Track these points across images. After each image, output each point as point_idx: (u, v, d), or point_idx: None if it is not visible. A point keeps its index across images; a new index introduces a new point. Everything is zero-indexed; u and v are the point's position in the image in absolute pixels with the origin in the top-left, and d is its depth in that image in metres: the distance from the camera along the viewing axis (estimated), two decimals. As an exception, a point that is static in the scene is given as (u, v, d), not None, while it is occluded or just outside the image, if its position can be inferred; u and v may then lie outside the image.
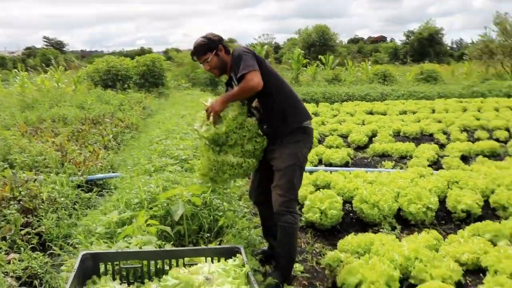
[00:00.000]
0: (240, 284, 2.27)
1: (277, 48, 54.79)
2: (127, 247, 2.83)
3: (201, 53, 3.20)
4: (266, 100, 3.14)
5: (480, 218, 4.59)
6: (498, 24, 21.15)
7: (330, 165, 6.60)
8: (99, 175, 5.62)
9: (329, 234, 4.36)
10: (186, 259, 2.65)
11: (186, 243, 3.40)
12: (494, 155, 7.34)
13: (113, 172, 6.15)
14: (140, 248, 2.83)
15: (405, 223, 4.53)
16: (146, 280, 2.58)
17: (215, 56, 3.16)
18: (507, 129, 9.14)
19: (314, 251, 3.95)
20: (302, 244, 4.12)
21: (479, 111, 12.37)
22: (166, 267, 2.64)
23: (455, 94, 16.71)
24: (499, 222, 3.88)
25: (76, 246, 3.59)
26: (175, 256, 2.63)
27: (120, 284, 2.46)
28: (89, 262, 2.53)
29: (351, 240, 3.50)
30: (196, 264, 2.63)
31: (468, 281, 3.10)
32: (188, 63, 18.99)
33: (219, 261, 2.66)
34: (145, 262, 2.59)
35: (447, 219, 4.66)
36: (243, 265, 2.46)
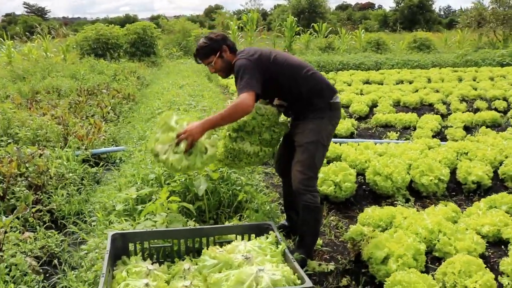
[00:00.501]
0: (278, 262, 2.25)
1: (264, 15, 53.82)
2: (154, 226, 2.78)
3: (204, 56, 3.05)
4: (287, 92, 3.02)
5: (489, 190, 4.64)
6: (491, -10, 21.01)
7: (335, 136, 6.56)
8: (104, 149, 5.51)
9: (344, 206, 4.36)
10: (216, 236, 2.63)
11: (206, 219, 3.37)
12: (495, 125, 7.38)
13: (116, 146, 6.04)
14: (167, 226, 2.78)
15: (417, 194, 4.54)
16: (176, 259, 2.55)
17: (219, 59, 3.01)
18: (505, 99, 9.17)
19: (330, 224, 3.96)
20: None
21: (474, 80, 12.38)
22: (196, 246, 2.61)
23: (449, 63, 16.70)
24: (514, 194, 3.91)
25: (93, 224, 3.54)
26: (205, 234, 2.59)
27: (152, 263, 2.42)
28: (118, 242, 2.49)
29: (372, 213, 3.49)
30: (227, 241, 2.61)
31: (490, 253, 3.12)
32: (179, 30, 18.53)
33: (249, 238, 2.64)
34: (175, 241, 2.56)
35: (457, 191, 4.68)
36: (277, 242, 2.44)
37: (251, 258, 2.18)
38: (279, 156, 3.42)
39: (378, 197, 4.53)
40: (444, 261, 2.96)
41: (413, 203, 4.31)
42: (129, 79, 10.54)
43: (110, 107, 7.47)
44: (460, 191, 4.68)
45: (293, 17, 20.26)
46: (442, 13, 66.81)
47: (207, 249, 2.60)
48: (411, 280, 2.55)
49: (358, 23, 44.67)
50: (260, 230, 2.63)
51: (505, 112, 8.32)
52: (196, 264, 2.41)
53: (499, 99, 9.12)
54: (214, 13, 47.81)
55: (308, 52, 19.46)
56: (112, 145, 6.07)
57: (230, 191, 3.54)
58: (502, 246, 3.19)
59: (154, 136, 2.96)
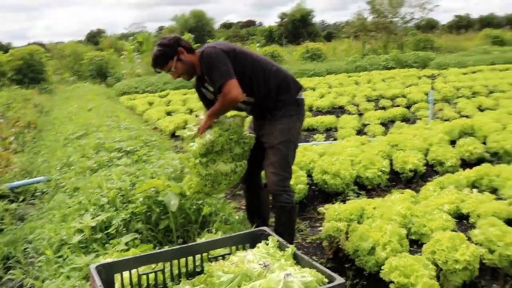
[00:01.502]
0: (292, 265, 2.09)
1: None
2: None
3: (161, 64, 2.88)
4: (255, 88, 2.90)
5: (423, 175, 4.95)
6: (369, 2, 23.13)
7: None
8: (23, 181, 4.83)
9: (299, 209, 4.30)
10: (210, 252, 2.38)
11: (174, 239, 3.07)
12: (404, 120, 8.00)
13: (30, 178, 5.34)
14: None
15: (362, 188, 4.67)
16: (169, 285, 2.25)
17: (178, 62, 2.84)
18: (404, 96, 10.02)
19: (294, 227, 3.87)
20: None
21: (369, 82, 13.36)
22: (189, 265, 2.34)
23: (341, 69, 17.85)
24: (453, 174, 4.20)
25: (37, 265, 3.02)
26: (197, 251, 2.33)
27: (146, 293, 2.11)
28: (102, 275, 2.12)
29: (340, 209, 3.47)
30: (221, 256, 2.38)
31: (456, 228, 3.27)
32: (69, 54, 17.29)
33: (244, 248, 2.44)
34: (166, 263, 2.26)
35: (396, 180, 4.92)
36: (279, 247, 2.28)
37: (270, 265, 1.99)
38: None
39: (328, 196, 4.57)
40: (420, 242, 3.06)
41: (365, 197, 4.42)
42: (26, 107, 9.50)
43: (13, 137, 6.63)
44: (399, 180, 4.92)
45: (189, 34, 20.06)
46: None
47: (201, 267, 2.35)
48: (406, 264, 2.56)
49: (246, 39, 46.06)
50: (254, 238, 2.44)
51: (407, 107, 9.05)
52: (194, 286, 2.15)
53: (399, 96, 9.94)
54: (99, 37, 45.82)
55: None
56: (26, 177, 5.36)
57: (194, 206, 3.28)
58: (464, 221, 3.38)
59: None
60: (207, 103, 3.11)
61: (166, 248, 2.36)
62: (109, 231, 2.88)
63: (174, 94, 12.76)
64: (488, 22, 52.65)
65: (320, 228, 3.85)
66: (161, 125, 8.20)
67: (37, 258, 3.03)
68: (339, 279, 1.89)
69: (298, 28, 47.40)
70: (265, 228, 2.48)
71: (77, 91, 12.23)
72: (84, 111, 7.86)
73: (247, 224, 3.43)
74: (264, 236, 2.42)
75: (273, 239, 2.31)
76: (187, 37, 19.71)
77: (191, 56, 2.86)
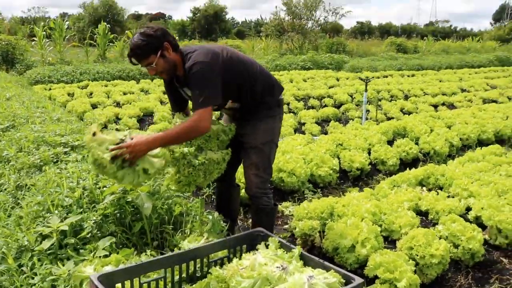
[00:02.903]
0: (302, 266, 2.09)
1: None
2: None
3: (142, 56, 2.53)
4: (242, 92, 2.79)
5: (368, 174, 5.23)
6: (285, 4, 23.75)
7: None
8: None
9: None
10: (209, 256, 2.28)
11: (148, 241, 2.90)
12: (337, 120, 8.35)
13: None
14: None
15: (315, 186, 4.80)
16: (170, 291, 2.12)
17: (161, 59, 2.53)
18: (330, 96, 10.45)
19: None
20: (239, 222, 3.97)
21: (291, 82, 13.70)
22: (190, 270, 2.22)
23: (262, 68, 18.08)
24: (405, 171, 4.49)
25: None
26: (197, 255, 2.24)
27: (151, 302, 1.96)
28: (104, 286, 1.93)
29: (309, 207, 3.51)
30: (219, 259, 2.30)
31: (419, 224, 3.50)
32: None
33: (240, 250, 2.38)
34: (168, 269, 2.13)
35: (344, 178, 5.13)
36: (281, 248, 2.26)
37: (287, 268, 1.96)
38: None
39: (284, 194, 4.62)
40: (391, 239, 3.23)
41: (319, 195, 4.54)
42: None
43: None
44: (347, 178, 5.13)
45: (87, 25, 18.77)
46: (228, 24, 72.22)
47: (201, 272, 2.26)
48: (389, 260, 2.69)
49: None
50: (251, 240, 2.40)
51: (335, 107, 9.45)
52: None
53: (325, 97, 10.34)
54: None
55: (125, 61, 18.52)
56: None
57: (165, 206, 3.12)
58: (423, 217, 3.62)
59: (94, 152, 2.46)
60: (176, 98, 2.96)
61: (168, 254, 2.22)
62: (81, 235, 2.63)
63: (94, 85, 11.97)
64: (386, 30, 57.33)
65: (285, 226, 3.89)
66: (91, 118, 7.67)
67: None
68: (358, 279, 1.93)
69: (211, 24, 47.30)
70: (261, 228, 2.44)
71: (-18, 79, 10.94)
72: (3, 100, 7.06)
73: (221, 224, 3.35)
74: (261, 237, 2.39)
75: (274, 240, 2.28)
76: (103, 27, 18.61)
77: (175, 55, 2.60)
